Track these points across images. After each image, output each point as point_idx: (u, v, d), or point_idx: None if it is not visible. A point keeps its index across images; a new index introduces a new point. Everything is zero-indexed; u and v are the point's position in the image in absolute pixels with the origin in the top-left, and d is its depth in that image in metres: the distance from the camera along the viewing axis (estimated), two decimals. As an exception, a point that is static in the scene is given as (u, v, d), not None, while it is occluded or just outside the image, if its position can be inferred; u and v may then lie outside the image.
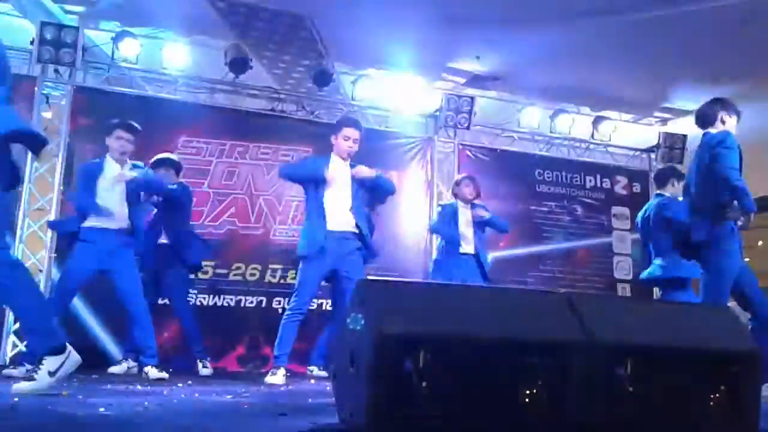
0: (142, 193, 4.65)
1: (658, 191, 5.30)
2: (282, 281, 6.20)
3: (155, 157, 5.15)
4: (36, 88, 5.94)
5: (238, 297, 6.13)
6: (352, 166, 4.46)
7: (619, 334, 2.11)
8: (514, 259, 7.10)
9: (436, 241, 6.18)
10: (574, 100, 7.91)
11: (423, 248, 6.82)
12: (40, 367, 2.91)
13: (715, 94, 7.54)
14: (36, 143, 3.00)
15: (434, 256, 6.03)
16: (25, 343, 4.84)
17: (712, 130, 4.04)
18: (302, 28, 6.23)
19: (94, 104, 5.95)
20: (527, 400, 1.95)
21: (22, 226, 5.73)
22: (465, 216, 5.53)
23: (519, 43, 6.67)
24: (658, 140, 7.87)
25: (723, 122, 4.05)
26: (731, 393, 2.13)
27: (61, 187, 5.74)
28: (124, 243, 4.37)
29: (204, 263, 5.93)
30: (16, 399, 2.70)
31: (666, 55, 6.72)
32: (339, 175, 4.41)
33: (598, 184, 7.79)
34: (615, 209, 7.77)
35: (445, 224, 5.56)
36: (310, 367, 5.41)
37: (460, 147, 7.29)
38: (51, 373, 2.90)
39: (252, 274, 6.21)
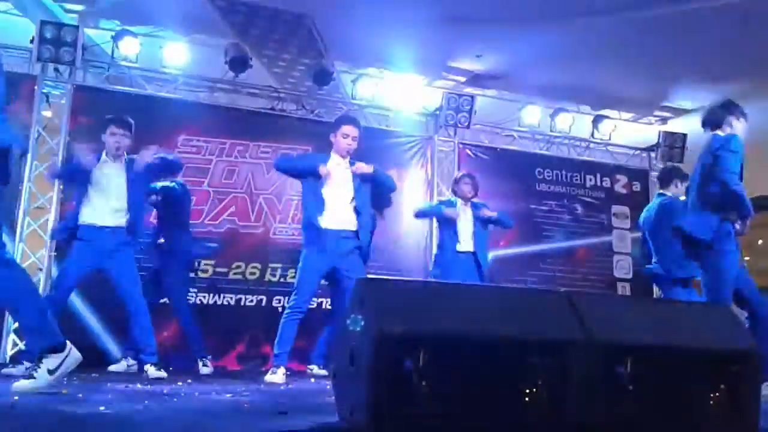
0: (144, 194, 4.64)
1: (660, 191, 5.30)
2: (282, 280, 6.20)
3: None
4: (36, 87, 5.94)
5: (238, 296, 6.13)
6: (351, 164, 4.46)
7: (619, 334, 2.11)
8: (514, 258, 7.11)
9: (437, 239, 6.18)
10: (574, 99, 7.91)
11: (423, 247, 6.82)
12: (40, 365, 2.91)
13: (715, 93, 7.57)
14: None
15: (434, 250, 6.07)
16: (24, 341, 4.84)
17: (720, 133, 4.05)
18: (302, 27, 6.22)
19: (94, 103, 5.94)
20: (527, 399, 1.96)
21: (22, 224, 5.73)
22: (464, 214, 5.53)
23: (519, 42, 6.68)
24: (658, 139, 7.88)
25: (730, 126, 4.05)
26: (731, 392, 2.13)
27: (61, 186, 5.73)
28: (122, 241, 4.32)
29: (204, 262, 5.95)
30: (15, 398, 2.70)
31: (666, 54, 6.72)
32: (338, 172, 4.41)
33: (598, 183, 7.79)
34: (615, 208, 7.78)
35: (431, 206, 5.63)
36: (310, 366, 5.41)
37: (460, 146, 7.29)
38: (51, 371, 2.90)
39: (252, 273, 6.21)
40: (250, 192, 6.36)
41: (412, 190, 6.98)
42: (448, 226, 5.53)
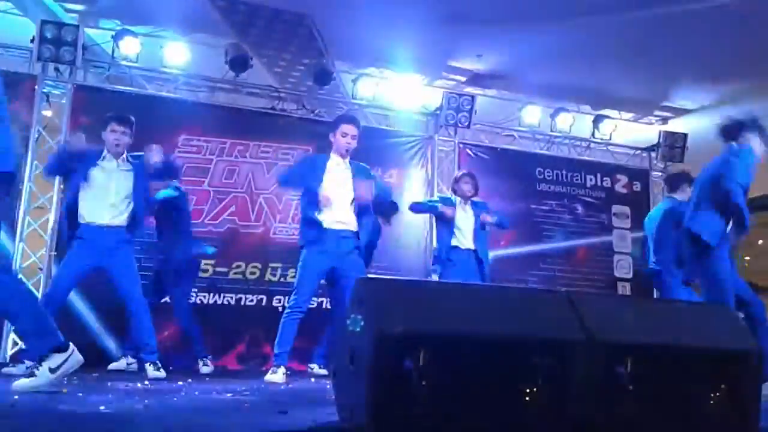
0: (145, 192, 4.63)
1: (669, 195, 5.33)
2: (282, 279, 6.20)
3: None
4: (36, 87, 5.94)
5: (239, 295, 6.13)
6: (351, 164, 4.48)
7: (620, 333, 2.11)
8: (514, 258, 7.10)
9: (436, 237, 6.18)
10: (574, 99, 7.91)
11: (423, 247, 6.82)
12: (41, 364, 2.91)
13: (715, 93, 7.62)
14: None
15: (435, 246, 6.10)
16: (26, 346, 4.83)
17: (734, 144, 4.09)
18: (302, 27, 6.23)
19: (95, 103, 5.94)
20: (527, 399, 1.95)
21: (23, 224, 5.73)
22: (464, 212, 5.52)
23: (520, 42, 6.68)
24: (659, 139, 7.87)
25: (747, 140, 4.09)
26: (731, 392, 2.13)
27: (62, 185, 5.73)
28: (122, 239, 4.32)
29: (204, 262, 5.94)
30: (15, 397, 2.70)
31: (666, 54, 6.72)
32: (338, 172, 4.43)
33: (599, 183, 7.79)
34: (615, 208, 7.77)
35: (429, 201, 5.63)
36: (311, 365, 5.42)
37: (461, 146, 7.29)
38: (52, 370, 2.90)
39: (252, 273, 6.21)
40: (251, 192, 6.36)
41: (413, 189, 6.98)
42: (445, 223, 5.53)
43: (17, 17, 6.33)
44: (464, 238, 5.45)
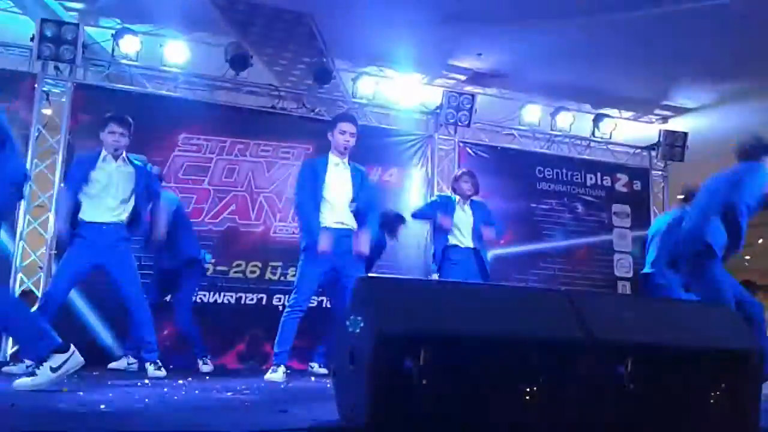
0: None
1: (683, 206, 5.37)
2: (282, 278, 6.20)
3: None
4: (36, 85, 5.92)
5: (239, 294, 6.13)
6: (351, 165, 4.49)
7: (620, 333, 2.11)
8: (514, 257, 7.10)
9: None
10: (574, 98, 7.91)
11: (423, 246, 6.81)
12: (42, 363, 2.91)
13: (715, 92, 7.62)
14: None
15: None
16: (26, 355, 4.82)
17: (751, 162, 4.12)
18: (302, 26, 6.22)
19: (95, 101, 5.93)
20: (527, 398, 1.95)
21: (23, 223, 5.72)
22: (463, 212, 5.49)
23: (520, 41, 6.68)
24: (659, 138, 7.86)
25: (764, 162, 4.11)
26: (731, 391, 2.13)
27: (62, 184, 5.72)
28: (121, 237, 4.32)
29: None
30: (16, 395, 2.70)
31: (667, 53, 6.72)
32: (337, 172, 4.44)
33: (599, 182, 7.78)
34: (615, 207, 7.76)
35: (432, 208, 5.58)
36: (311, 364, 5.42)
37: (461, 144, 7.28)
38: (53, 369, 2.91)
39: (252, 272, 6.21)
40: (251, 190, 6.36)
41: (413, 188, 6.98)
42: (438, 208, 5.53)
43: (17, 15, 6.32)
44: (464, 237, 5.44)
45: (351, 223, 4.41)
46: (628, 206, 7.76)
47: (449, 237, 5.39)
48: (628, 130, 8.24)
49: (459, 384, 1.91)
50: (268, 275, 6.23)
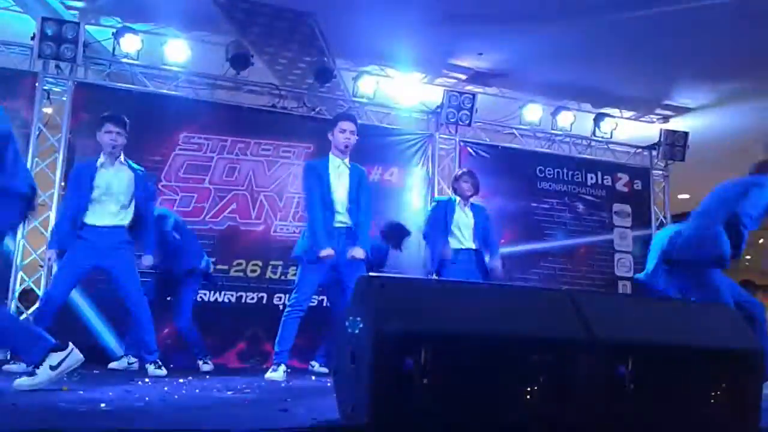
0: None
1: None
2: (283, 277, 6.20)
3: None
4: (37, 84, 5.93)
5: (239, 293, 6.13)
6: (351, 166, 4.49)
7: (621, 332, 2.11)
8: (515, 257, 7.09)
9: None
10: (575, 97, 7.91)
11: (423, 246, 6.79)
12: (42, 362, 2.91)
13: (715, 92, 7.61)
14: None
15: None
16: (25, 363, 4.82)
17: (761, 176, 4.15)
18: (303, 25, 6.22)
19: (95, 100, 5.93)
20: (528, 397, 1.95)
21: (24, 221, 5.72)
22: (463, 213, 5.45)
23: (521, 41, 6.67)
24: (660, 137, 7.86)
25: None
26: (732, 391, 2.13)
27: (62, 183, 5.73)
28: (122, 240, 4.36)
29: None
30: (17, 394, 2.70)
31: (667, 53, 6.72)
32: (337, 172, 4.45)
33: (600, 182, 7.78)
34: (616, 206, 7.76)
35: (435, 227, 5.46)
36: (312, 363, 5.42)
37: (461, 144, 7.27)
38: (53, 367, 2.91)
39: (253, 271, 6.21)
40: (251, 189, 6.36)
41: (413, 187, 6.97)
42: (440, 227, 5.45)
43: (18, 14, 6.32)
44: (464, 238, 5.42)
45: (351, 222, 4.42)
46: (628, 206, 7.76)
47: (450, 239, 5.33)
48: (628, 130, 8.24)
49: (459, 383, 1.91)
50: (268, 274, 6.23)
